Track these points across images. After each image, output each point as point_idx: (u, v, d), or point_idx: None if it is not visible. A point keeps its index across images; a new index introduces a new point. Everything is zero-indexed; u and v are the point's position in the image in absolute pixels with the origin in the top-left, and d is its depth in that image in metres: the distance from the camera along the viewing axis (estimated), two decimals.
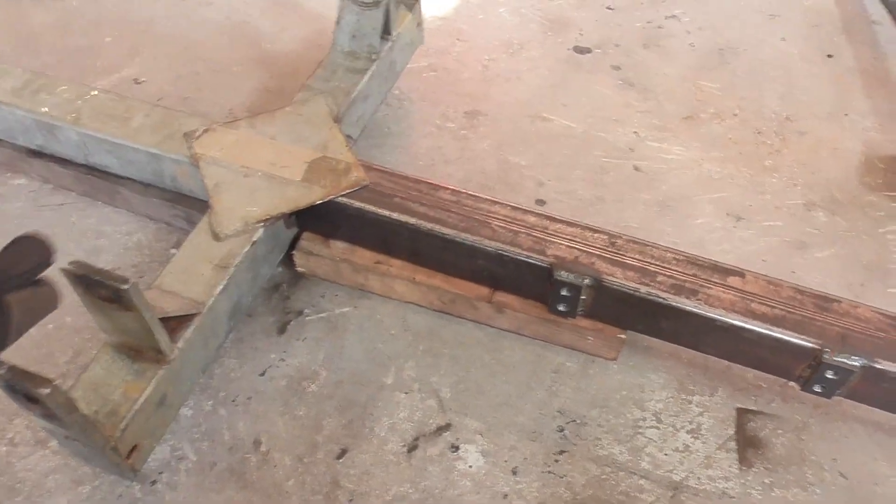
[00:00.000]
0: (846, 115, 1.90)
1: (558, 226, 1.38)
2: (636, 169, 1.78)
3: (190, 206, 1.60)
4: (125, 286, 1.08)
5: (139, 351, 1.23)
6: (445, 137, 1.86)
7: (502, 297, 1.44)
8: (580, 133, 1.86)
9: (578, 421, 1.37)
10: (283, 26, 2.18)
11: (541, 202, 1.71)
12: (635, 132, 1.86)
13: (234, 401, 1.40)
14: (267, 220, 1.41)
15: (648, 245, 1.35)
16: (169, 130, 1.56)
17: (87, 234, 1.68)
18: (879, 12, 2.14)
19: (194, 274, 1.35)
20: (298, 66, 2.01)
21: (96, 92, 1.64)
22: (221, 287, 1.33)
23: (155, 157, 1.55)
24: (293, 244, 1.53)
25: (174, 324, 1.28)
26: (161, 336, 1.20)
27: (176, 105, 1.94)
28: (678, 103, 1.93)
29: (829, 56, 2.06)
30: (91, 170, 1.67)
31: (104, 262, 1.63)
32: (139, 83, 2.02)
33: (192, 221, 1.56)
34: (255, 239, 1.40)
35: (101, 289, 1.11)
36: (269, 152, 1.51)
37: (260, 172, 1.48)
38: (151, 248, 1.66)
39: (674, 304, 1.27)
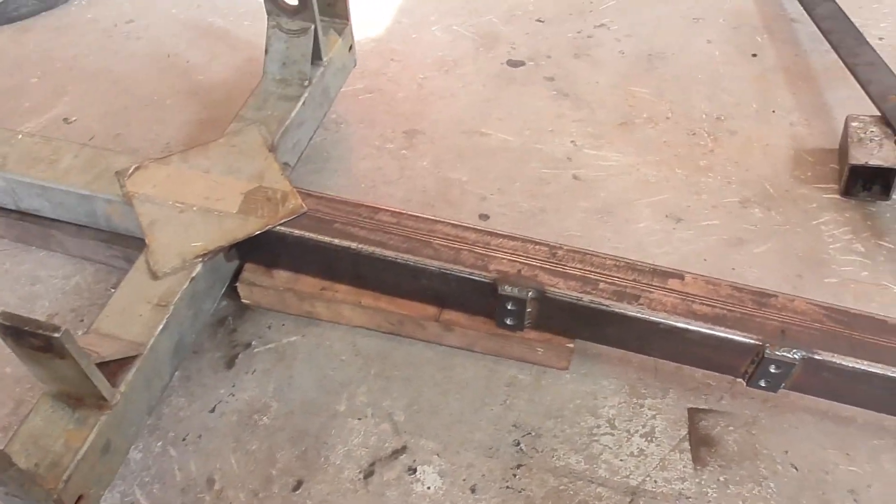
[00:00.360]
0: (773, 111, 1.95)
1: (499, 240, 1.39)
2: (575, 178, 1.80)
3: (127, 245, 1.57)
4: (56, 334, 1.05)
5: (79, 398, 1.19)
6: (385, 158, 1.86)
7: (450, 315, 1.44)
8: (518, 146, 1.88)
9: (534, 433, 1.37)
10: (213, 55, 2.15)
11: (484, 217, 1.71)
12: (572, 141, 1.88)
13: (184, 440, 1.37)
14: (205, 254, 1.38)
15: (589, 253, 1.36)
16: (99, 170, 1.53)
17: (21, 280, 1.63)
18: (797, 10, 2.21)
19: (133, 315, 1.32)
20: (231, 96, 1.99)
21: (21, 136, 1.60)
22: (162, 326, 1.30)
23: (86, 198, 1.52)
24: (236, 276, 1.51)
25: (114, 367, 1.24)
26: (100, 382, 1.16)
27: (107, 142, 1.90)
28: (612, 110, 1.97)
29: (754, 55, 2.12)
30: (23, 215, 1.62)
31: (41, 308, 1.58)
32: (69, 122, 1.98)
33: (130, 261, 1.52)
34: (193, 275, 1.37)
35: (32, 339, 1.07)
36: (203, 186, 1.49)
37: (195, 207, 1.45)
38: (91, 291, 1.62)
39: (617, 310, 1.28)
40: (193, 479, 1.32)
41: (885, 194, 1.70)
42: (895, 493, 1.28)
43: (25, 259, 1.66)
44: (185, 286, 1.35)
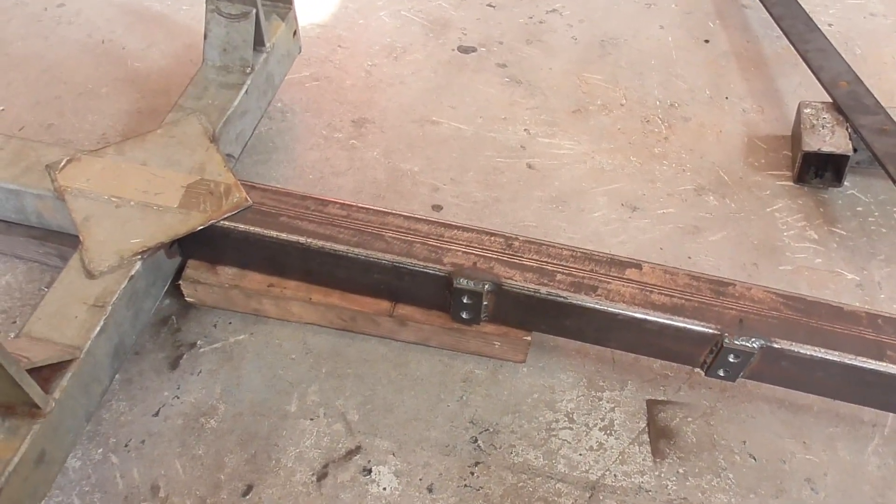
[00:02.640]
0: (726, 98, 1.95)
1: (454, 232, 1.35)
2: (529, 167, 1.76)
3: (61, 242, 1.48)
4: None
5: (10, 407, 1.11)
6: (333, 148, 1.79)
7: (403, 309, 1.40)
8: (470, 134, 1.84)
9: (491, 429, 1.34)
10: (151, 42, 2.05)
11: (437, 207, 1.67)
12: (526, 129, 1.85)
13: (126, 446, 1.30)
14: (144, 252, 1.31)
15: (545, 244, 1.33)
16: (27, 163, 1.44)
17: None
18: None
19: (67, 317, 1.24)
20: (170, 84, 1.90)
21: None
22: (99, 328, 1.23)
23: (14, 193, 1.42)
24: (179, 273, 1.44)
25: (47, 373, 1.17)
26: (31, 388, 1.09)
27: (39, 133, 1.80)
28: (565, 97, 1.94)
29: (706, 41, 2.12)
30: None
31: None
32: None
33: (65, 258, 1.44)
34: (132, 273, 1.29)
35: None
36: (141, 179, 1.41)
37: (133, 202, 1.37)
38: (22, 291, 1.52)
39: (574, 301, 1.25)
40: (137, 487, 1.25)
41: (837, 181, 1.71)
42: (851, 481, 1.28)
43: None
44: (123, 285, 1.27)
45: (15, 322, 1.47)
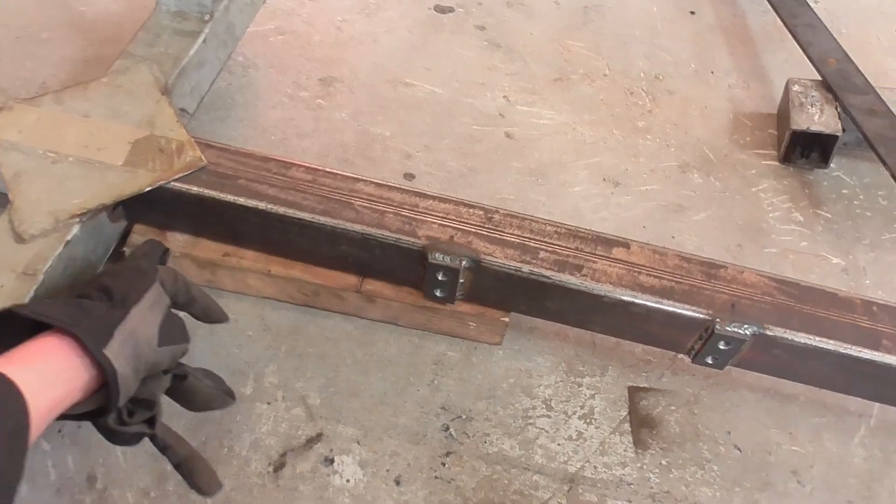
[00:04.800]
0: (712, 72, 1.87)
1: (429, 202, 1.24)
2: (508, 136, 1.66)
3: None
4: None
5: None
6: (298, 108, 1.66)
7: (372, 285, 1.29)
8: (446, 99, 1.72)
9: (464, 416, 1.25)
10: None
11: (409, 176, 1.56)
12: (505, 96, 1.74)
13: (59, 431, 1.17)
14: (83, 214, 1.17)
15: (528, 219, 1.23)
16: None
17: None
18: None
19: None
20: (121, 31, 1.73)
21: None
22: (29, 300, 1.09)
23: None
24: (123, 240, 1.30)
25: None
26: None
27: None
28: (546, 65, 1.83)
29: (692, 13, 2.03)
30: None
31: None
32: None
33: None
34: (69, 238, 1.15)
35: None
36: (81, 132, 1.26)
37: (71, 157, 1.23)
38: None
39: (558, 281, 1.16)
40: (71, 478, 1.13)
41: (824, 162, 1.65)
42: (836, 472, 1.23)
43: None
44: (58, 251, 1.13)
45: None
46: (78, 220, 1.16)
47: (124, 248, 1.29)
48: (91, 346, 0.85)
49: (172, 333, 0.99)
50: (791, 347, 1.14)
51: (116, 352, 0.87)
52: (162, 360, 0.97)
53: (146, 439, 0.98)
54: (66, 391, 0.85)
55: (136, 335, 0.91)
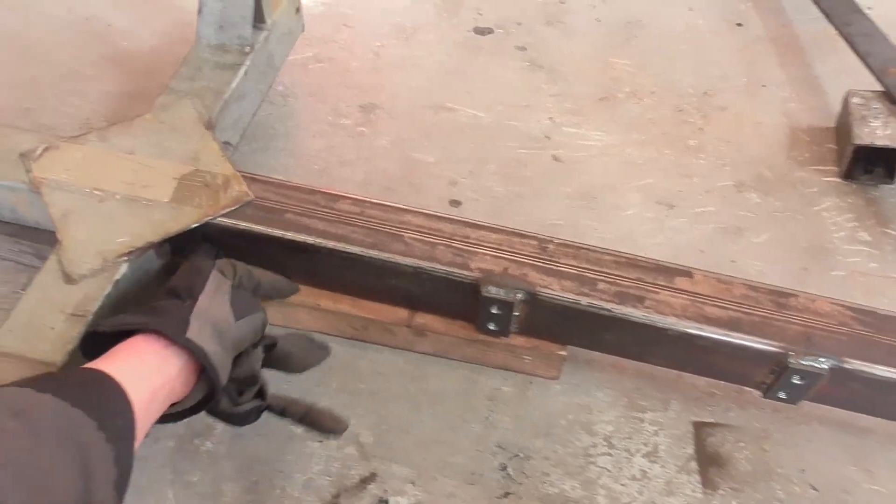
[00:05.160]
0: (763, 86, 1.81)
1: (481, 233, 1.20)
2: (555, 159, 1.62)
3: (39, 239, 1.33)
4: None
5: None
6: (339, 136, 1.64)
7: (423, 318, 1.25)
8: (489, 123, 1.68)
9: (522, 455, 1.20)
10: (140, 19, 1.88)
11: (455, 203, 1.52)
12: (549, 118, 1.70)
13: None
14: (130, 252, 1.15)
15: (584, 248, 1.18)
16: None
17: None
18: None
19: (41, 328, 1.08)
20: (161, 65, 1.73)
21: None
22: (77, 343, 1.07)
23: None
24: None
25: None
26: None
27: (16, 119, 1.63)
28: (591, 84, 1.79)
29: (739, 25, 1.97)
30: None
31: None
32: None
33: (43, 257, 1.27)
34: (117, 277, 1.14)
35: None
36: (127, 170, 1.25)
37: (118, 195, 1.22)
38: None
39: (620, 314, 1.11)
40: None
41: (889, 177, 1.57)
42: None
43: None
44: (107, 291, 1.11)
45: None
46: (126, 258, 1.15)
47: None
48: (172, 335, 0.90)
49: (245, 308, 1.02)
50: (871, 381, 1.08)
51: (197, 334, 0.92)
52: (244, 335, 1.01)
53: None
54: (163, 380, 0.89)
55: (210, 317, 0.96)
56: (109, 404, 0.80)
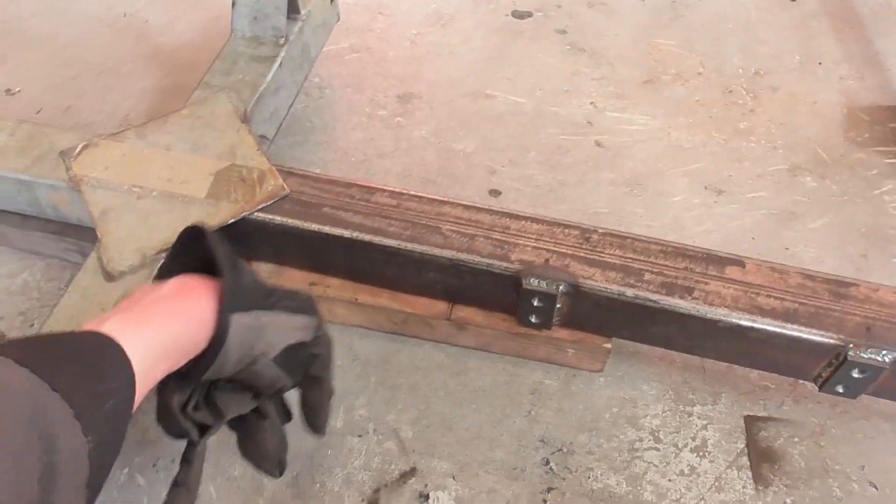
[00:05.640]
0: (819, 63, 1.73)
1: (521, 223, 1.16)
2: (598, 144, 1.57)
3: (81, 236, 1.34)
4: None
5: None
6: (377, 127, 1.62)
7: (462, 311, 1.23)
8: (530, 109, 1.64)
9: (565, 449, 1.16)
10: (175, 15, 1.89)
11: (495, 193, 1.49)
12: (592, 103, 1.65)
13: (154, 466, 1.16)
14: (168, 249, 1.15)
15: (629, 237, 1.14)
16: (40, 150, 1.29)
17: None
18: None
19: (84, 324, 1.09)
20: (198, 59, 1.74)
21: None
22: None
23: (25, 184, 1.27)
24: None
25: None
26: None
27: (56, 116, 1.65)
28: (635, 66, 1.73)
29: (792, 0, 1.88)
30: None
31: None
32: (12, 94, 1.72)
33: (86, 254, 1.28)
34: (156, 274, 1.14)
35: None
36: (164, 166, 1.25)
37: (155, 192, 1.22)
38: (41, 290, 1.39)
39: (667, 306, 1.07)
40: None
41: None
42: None
43: None
44: None
45: (33, 325, 1.33)
46: (164, 255, 1.15)
47: None
48: (226, 304, 0.81)
49: (290, 364, 0.92)
50: None
51: (239, 324, 0.82)
52: (262, 376, 0.90)
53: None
54: (177, 360, 0.81)
55: (265, 331, 0.86)
56: (99, 384, 0.70)
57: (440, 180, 1.51)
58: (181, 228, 1.16)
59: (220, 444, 1.18)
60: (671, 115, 1.62)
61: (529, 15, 1.87)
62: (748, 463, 1.14)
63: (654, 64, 1.73)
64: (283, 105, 1.49)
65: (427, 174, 1.52)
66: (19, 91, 1.72)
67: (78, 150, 1.27)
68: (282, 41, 1.44)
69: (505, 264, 1.12)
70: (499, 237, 1.15)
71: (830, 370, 1.06)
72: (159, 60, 1.78)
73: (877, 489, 1.12)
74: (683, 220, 1.43)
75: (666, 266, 1.10)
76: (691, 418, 1.19)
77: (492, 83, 1.70)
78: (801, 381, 1.16)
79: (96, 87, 1.72)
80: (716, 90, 1.67)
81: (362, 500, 1.12)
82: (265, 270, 1.27)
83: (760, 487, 1.12)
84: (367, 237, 1.15)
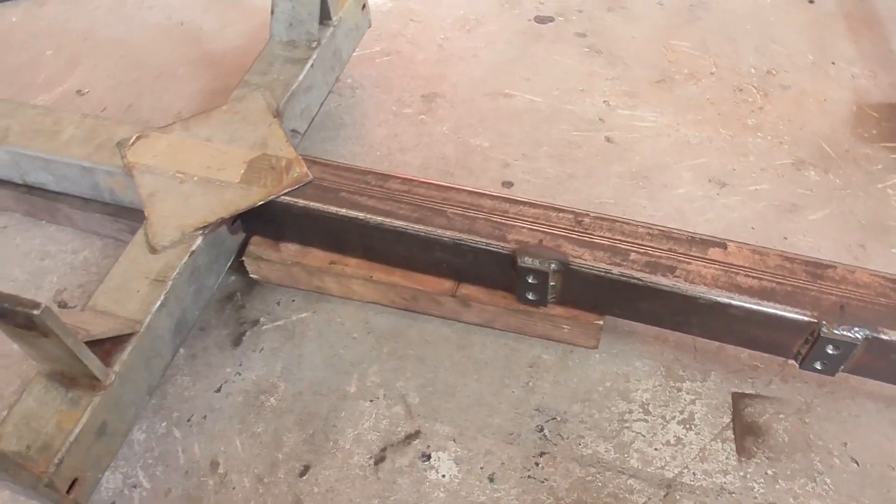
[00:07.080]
0: (832, 63, 1.77)
1: (519, 208, 1.26)
2: (608, 140, 1.65)
3: (133, 218, 1.49)
4: (36, 311, 0.97)
5: (73, 378, 1.12)
6: (402, 124, 1.74)
7: (467, 289, 1.33)
8: (545, 107, 1.74)
9: (559, 418, 1.25)
10: (226, 23, 2.06)
11: (507, 184, 1.59)
12: (605, 101, 1.73)
13: (188, 421, 1.30)
14: (204, 227, 1.29)
15: (618, 221, 1.22)
16: (100, 141, 1.45)
17: (31, 255, 1.57)
18: None
19: (129, 291, 1.24)
20: (243, 63, 1.88)
21: (24, 107, 1.54)
22: (159, 303, 1.22)
23: (88, 170, 1.44)
24: (243, 250, 1.42)
25: (109, 346, 1.17)
26: (90, 361, 1.09)
27: (119, 114, 1.83)
28: (648, 67, 1.81)
29: (811, 1, 1.93)
30: (30, 189, 1.56)
31: (50, 283, 1.53)
32: (82, 94, 1.91)
33: None
34: (193, 249, 1.28)
35: (14, 316, 1.00)
36: (204, 155, 1.40)
37: (195, 177, 1.36)
38: (99, 266, 1.55)
39: (649, 283, 1.15)
40: (197, 462, 1.24)
41: None
42: None
43: (35, 233, 1.61)
44: (184, 260, 1.26)
45: (90, 297, 1.49)
46: (200, 232, 1.29)
47: (243, 258, 1.41)
48: None
49: None
50: None
51: None
52: None
53: None
54: None
55: None
56: None
57: (457, 172, 1.62)
58: (217, 208, 1.32)
59: (245, 405, 1.31)
60: (681, 112, 1.69)
61: (551, 20, 1.97)
62: (732, 436, 1.21)
63: (667, 64, 1.81)
64: (315, 102, 1.62)
65: (445, 167, 1.63)
66: (88, 92, 1.91)
67: (132, 140, 1.43)
68: (314, 45, 1.58)
69: (502, 244, 1.21)
70: (498, 220, 1.25)
71: (807, 347, 1.12)
72: (210, 64, 1.94)
73: (858, 464, 1.16)
74: (686, 211, 1.50)
75: (651, 247, 1.18)
76: (680, 393, 1.26)
77: (511, 83, 1.80)
78: (789, 362, 1.21)
79: (154, 88, 1.90)
80: (727, 89, 1.73)
81: (370, 458, 1.23)
82: (293, 251, 1.40)
83: (743, 459, 1.18)
84: (378, 219, 1.27)
